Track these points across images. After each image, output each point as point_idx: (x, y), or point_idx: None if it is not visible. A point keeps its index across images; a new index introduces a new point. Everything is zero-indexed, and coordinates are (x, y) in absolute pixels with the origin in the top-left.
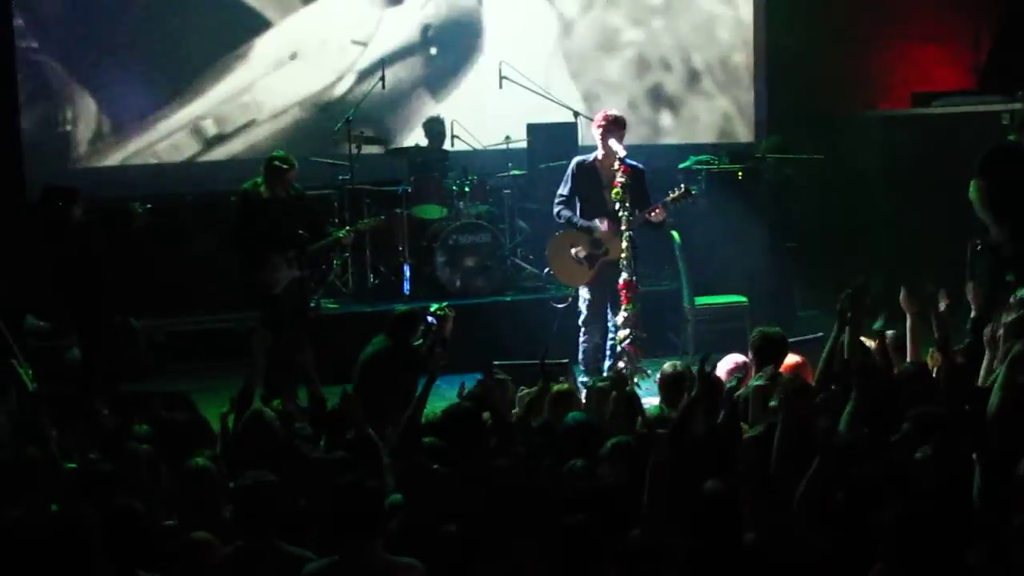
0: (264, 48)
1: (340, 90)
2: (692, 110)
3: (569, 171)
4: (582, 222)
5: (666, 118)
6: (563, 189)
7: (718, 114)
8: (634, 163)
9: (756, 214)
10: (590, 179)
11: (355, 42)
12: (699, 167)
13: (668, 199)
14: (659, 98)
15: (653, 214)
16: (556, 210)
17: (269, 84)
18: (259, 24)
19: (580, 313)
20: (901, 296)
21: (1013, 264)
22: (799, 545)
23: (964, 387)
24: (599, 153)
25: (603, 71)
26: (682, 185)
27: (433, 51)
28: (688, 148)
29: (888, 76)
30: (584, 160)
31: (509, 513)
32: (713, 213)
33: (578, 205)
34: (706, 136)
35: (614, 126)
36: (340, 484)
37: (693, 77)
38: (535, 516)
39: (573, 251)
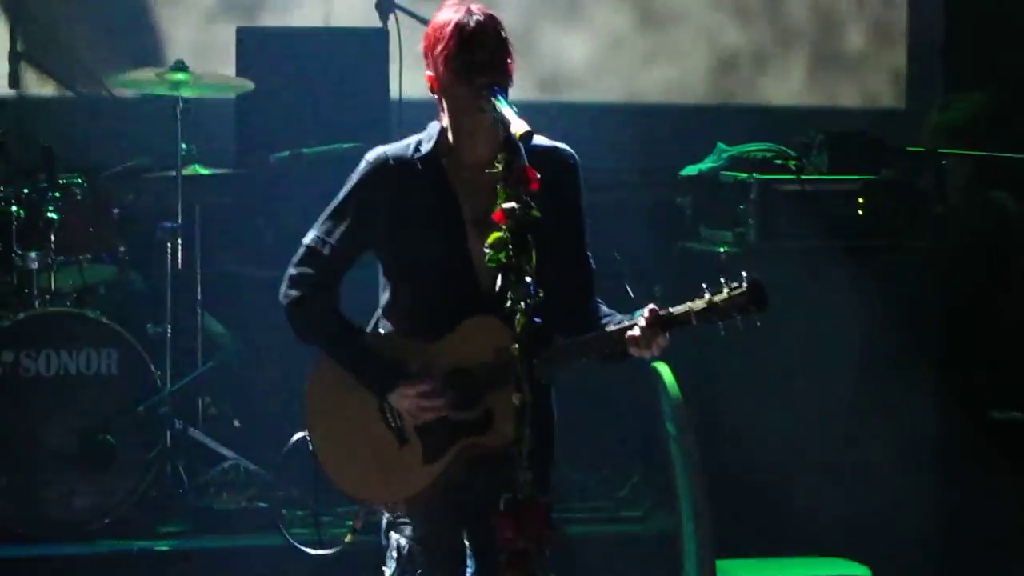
0: None
1: None
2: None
3: (354, 184)
4: (370, 344)
5: (740, 62)
6: (324, 232)
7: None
8: (556, 147)
9: (907, 320)
10: (421, 206)
11: None
12: (736, 176)
13: (704, 306)
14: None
15: (638, 334)
16: (289, 295)
17: None
18: None
19: None
20: None
21: None
22: None
23: None
24: (436, 132)
25: None
26: (745, 278)
27: None
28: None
29: None
30: (400, 155)
31: None
32: (778, 305)
33: (386, 288)
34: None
35: (471, 53)
36: None
37: None
38: None
39: (381, 405)
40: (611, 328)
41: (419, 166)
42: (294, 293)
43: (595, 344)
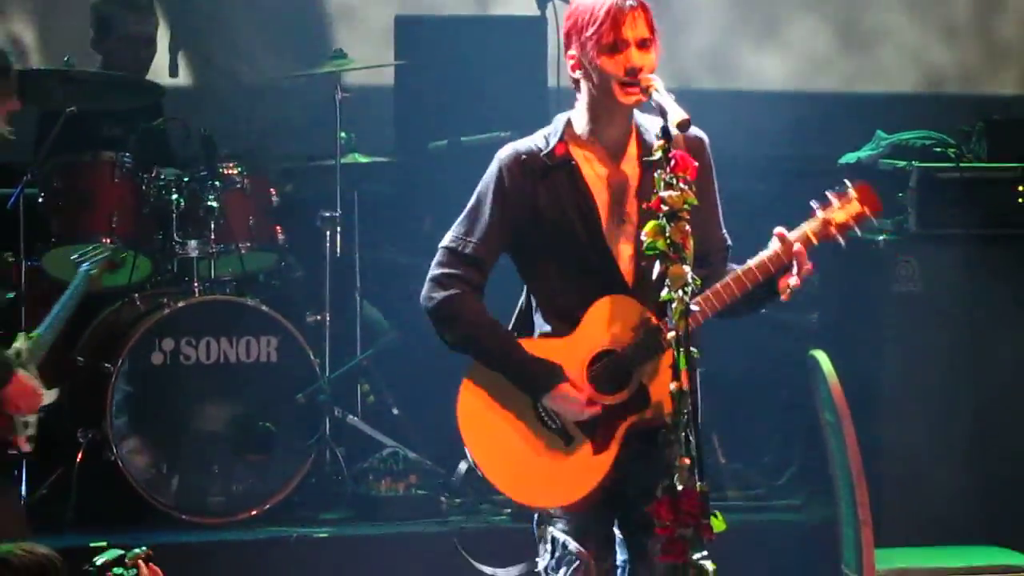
0: None
1: None
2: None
3: (490, 182)
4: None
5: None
6: (463, 232)
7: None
8: (694, 133)
9: None
10: (559, 200)
11: None
12: (895, 163)
13: (815, 225)
14: None
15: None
16: (435, 297)
17: None
18: None
19: None
20: None
21: None
22: None
23: None
24: (561, 125)
25: None
26: (848, 184)
27: None
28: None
29: None
30: (529, 150)
31: None
32: (939, 293)
33: (524, 291)
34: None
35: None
36: None
37: None
38: None
39: (545, 404)
40: (748, 264)
41: (549, 160)
42: (440, 294)
43: (736, 283)
